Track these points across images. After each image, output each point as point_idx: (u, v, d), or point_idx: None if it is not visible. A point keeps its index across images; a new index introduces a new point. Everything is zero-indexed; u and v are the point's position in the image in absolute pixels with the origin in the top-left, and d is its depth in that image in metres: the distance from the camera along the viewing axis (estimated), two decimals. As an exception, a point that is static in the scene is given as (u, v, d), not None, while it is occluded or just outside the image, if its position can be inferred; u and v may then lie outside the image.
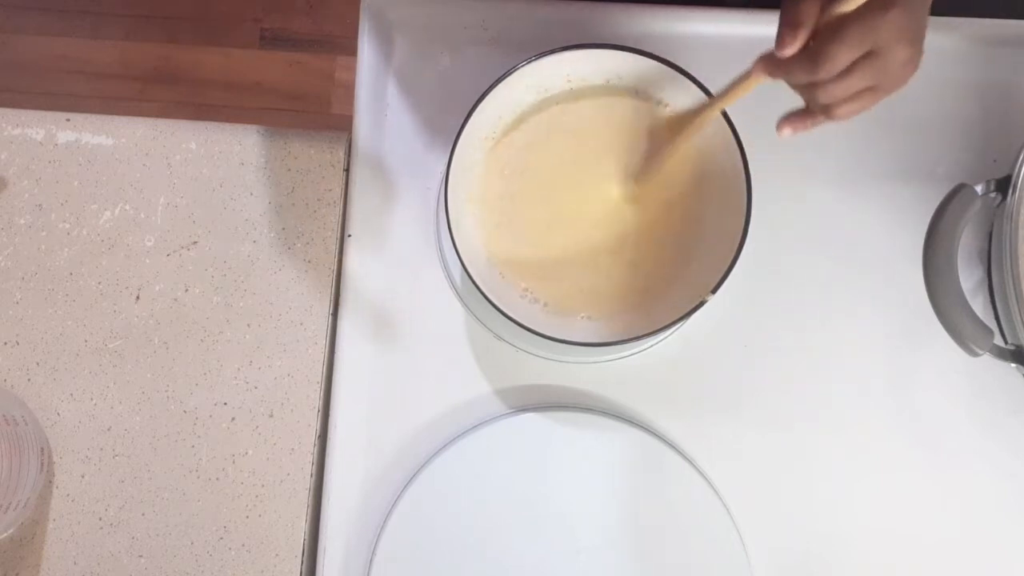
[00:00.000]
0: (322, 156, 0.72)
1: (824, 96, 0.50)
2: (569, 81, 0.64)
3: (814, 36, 0.49)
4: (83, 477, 0.68)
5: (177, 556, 0.67)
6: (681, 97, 0.62)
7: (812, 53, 0.48)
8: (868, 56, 0.48)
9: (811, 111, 0.53)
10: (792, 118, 0.54)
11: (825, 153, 0.71)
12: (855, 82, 0.49)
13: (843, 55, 0.48)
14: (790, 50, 0.48)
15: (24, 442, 0.64)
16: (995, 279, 0.67)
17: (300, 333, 0.69)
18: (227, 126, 0.72)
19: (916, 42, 0.50)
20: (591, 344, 0.61)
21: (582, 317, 0.64)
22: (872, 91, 0.50)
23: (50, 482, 0.67)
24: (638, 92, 0.64)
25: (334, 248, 0.70)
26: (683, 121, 0.62)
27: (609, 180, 0.65)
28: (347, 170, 0.72)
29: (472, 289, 0.60)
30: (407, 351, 0.69)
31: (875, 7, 0.47)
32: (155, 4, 1.64)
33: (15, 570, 0.66)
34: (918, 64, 0.51)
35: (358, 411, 0.68)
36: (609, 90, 0.65)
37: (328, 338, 0.69)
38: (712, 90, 0.60)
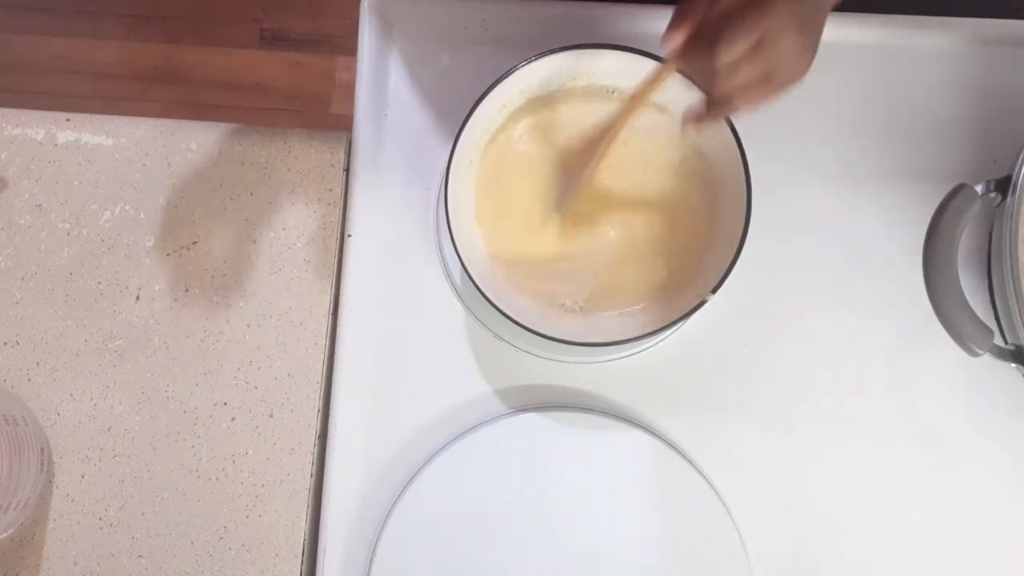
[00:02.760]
0: (322, 156, 0.72)
1: (723, 85, 0.51)
2: (569, 81, 0.64)
3: (708, 27, 0.50)
4: (83, 477, 0.68)
5: (177, 556, 0.67)
6: (683, 97, 0.62)
7: (708, 41, 0.50)
8: (761, 42, 0.49)
9: (712, 106, 0.54)
10: (693, 116, 0.55)
11: (825, 153, 0.71)
12: (750, 70, 0.50)
13: (737, 41, 0.49)
14: (674, 41, 0.51)
15: (24, 442, 0.64)
16: (995, 279, 0.67)
17: (300, 333, 0.69)
18: (227, 126, 0.72)
19: (807, 30, 0.51)
20: (591, 344, 0.61)
21: (582, 317, 0.64)
22: (768, 81, 0.51)
23: (50, 482, 0.67)
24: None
25: (334, 248, 0.70)
26: (610, 125, 0.61)
27: (610, 183, 0.65)
28: (347, 170, 0.72)
29: (472, 289, 0.60)
30: (407, 351, 0.69)
31: None
32: (155, 4, 1.64)
33: (15, 570, 0.66)
34: (813, 55, 0.52)
35: (358, 411, 0.68)
36: (609, 91, 0.65)
37: (328, 338, 0.69)
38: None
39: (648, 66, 0.61)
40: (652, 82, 0.58)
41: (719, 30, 0.49)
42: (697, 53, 0.51)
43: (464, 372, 0.68)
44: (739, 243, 0.59)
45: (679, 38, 0.51)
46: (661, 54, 0.55)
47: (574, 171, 0.63)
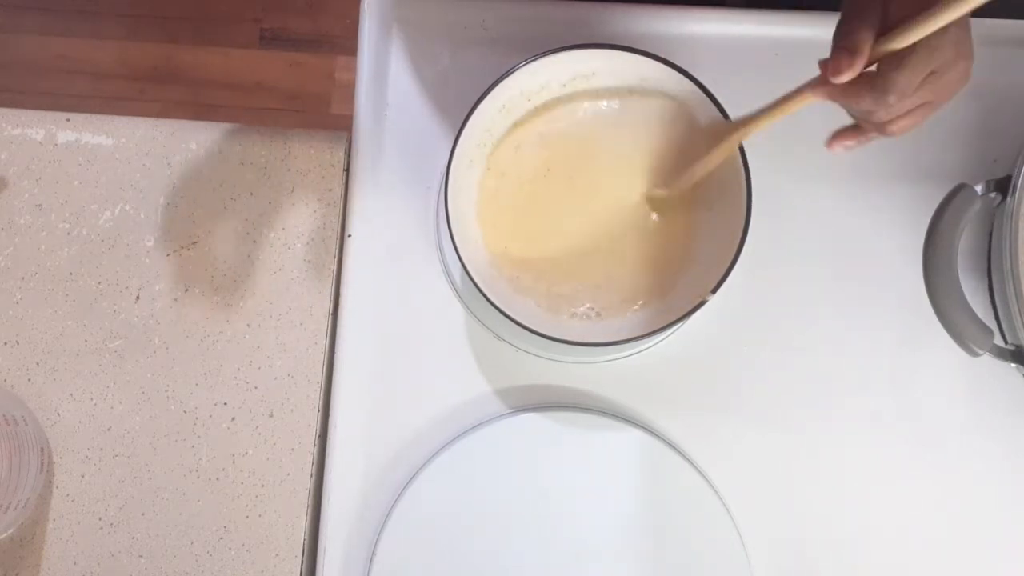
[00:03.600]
0: (322, 156, 0.72)
1: (883, 116, 0.50)
2: (570, 81, 0.64)
3: (875, 69, 0.48)
4: (83, 477, 0.68)
5: (177, 556, 0.67)
6: (680, 96, 0.62)
7: (878, 81, 0.47)
8: (930, 76, 0.48)
9: (863, 128, 0.52)
10: (844, 135, 0.53)
11: (825, 153, 0.70)
12: (915, 100, 0.49)
13: (911, 82, 0.47)
14: (846, 77, 0.48)
15: (24, 442, 0.64)
16: (995, 279, 0.67)
17: (300, 333, 0.69)
18: (227, 126, 0.72)
19: (970, 53, 0.50)
20: (591, 344, 0.61)
21: (582, 317, 0.64)
22: (926, 106, 0.50)
23: (50, 482, 0.67)
24: (637, 92, 0.64)
25: (334, 248, 0.70)
26: (719, 133, 0.59)
27: (609, 180, 0.65)
28: (347, 170, 0.72)
29: (472, 289, 0.60)
30: (407, 351, 0.69)
31: (935, 31, 0.46)
32: (155, 4, 1.64)
33: (15, 570, 0.66)
34: (971, 73, 0.50)
35: (358, 411, 0.68)
36: (609, 91, 0.65)
37: (328, 338, 0.69)
38: (711, 88, 0.60)
39: (649, 65, 0.61)
40: (797, 100, 0.53)
41: (890, 68, 0.47)
42: (863, 95, 0.48)
43: (464, 372, 0.68)
44: (739, 243, 0.59)
45: (851, 74, 0.48)
46: (811, 81, 0.51)
47: (684, 162, 0.62)
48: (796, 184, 0.70)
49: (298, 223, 0.71)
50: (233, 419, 0.68)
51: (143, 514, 0.67)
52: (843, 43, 0.48)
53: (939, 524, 0.67)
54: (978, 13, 0.70)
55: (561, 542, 0.66)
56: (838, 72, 0.48)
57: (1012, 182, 0.63)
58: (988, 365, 0.66)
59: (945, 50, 0.47)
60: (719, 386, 0.68)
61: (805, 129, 0.70)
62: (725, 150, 0.59)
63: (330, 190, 0.71)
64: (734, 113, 0.60)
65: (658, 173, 0.64)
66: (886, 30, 0.47)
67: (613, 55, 0.61)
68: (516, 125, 0.65)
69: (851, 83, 0.48)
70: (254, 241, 0.70)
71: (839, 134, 0.54)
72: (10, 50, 1.63)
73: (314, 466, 0.68)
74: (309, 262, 0.70)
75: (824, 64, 0.50)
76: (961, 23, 0.48)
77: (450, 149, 0.60)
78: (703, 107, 0.61)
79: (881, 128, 0.51)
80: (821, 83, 0.50)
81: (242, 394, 0.68)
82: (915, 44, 0.47)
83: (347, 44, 1.62)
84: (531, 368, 0.68)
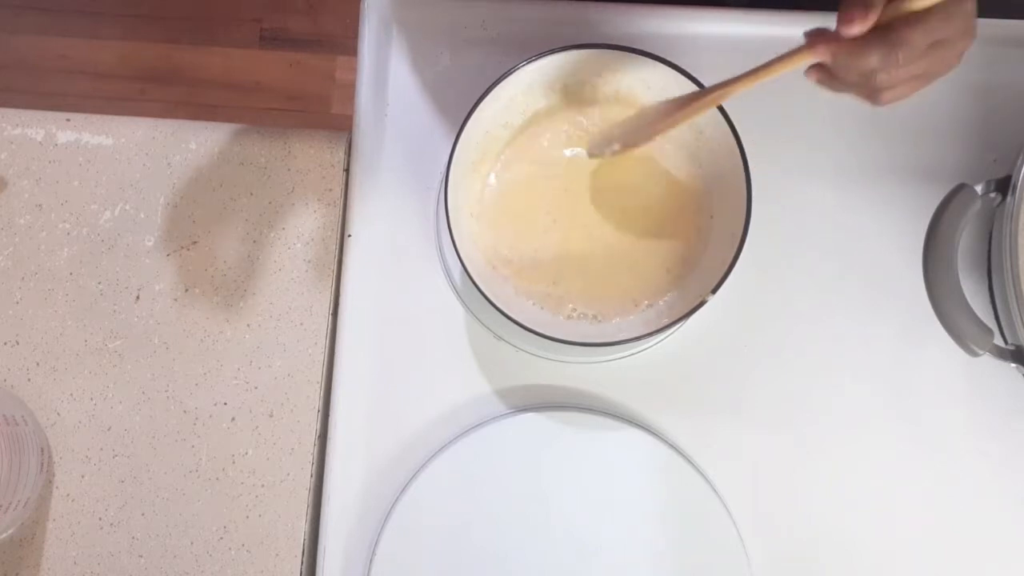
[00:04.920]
0: (322, 156, 0.72)
1: (883, 81, 0.49)
2: (569, 81, 0.64)
3: (878, 24, 0.47)
4: (83, 477, 0.68)
5: (177, 556, 0.67)
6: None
7: (891, 36, 0.47)
8: (936, 44, 0.48)
9: (844, 82, 0.51)
10: (824, 74, 0.52)
11: (825, 153, 0.71)
12: (916, 68, 0.48)
13: (922, 43, 0.47)
14: (858, 29, 0.47)
15: (24, 442, 0.64)
16: (995, 279, 0.67)
17: (300, 333, 0.69)
18: (227, 126, 0.72)
19: (974, 36, 0.50)
20: (591, 344, 0.61)
21: (582, 317, 0.64)
22: (922, 77, 0.50)
23: (50, 482, 0.67)
24: (633, 95, 0.64)
25: (334, 248, 0.70)
26: (702, 95, 0.58)
27: (609, 180, 0.65)
28: (347, 170, 0.72)
29: (472, 289, 0.60)
30: (407, 351, 0.69)
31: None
32: (155, 4, 1.64)
33: (15, 570, 0.66)
34: (964, 53, 0.50)
35: (358, 411, 0.68)
36: (608, 93, 0.65)
37: (328, 338, 0.69)
38: (708, 85, 0.60)
39: (649, 65, 0.61)
40: (795, 57, 0.51)
41: (900, 28, 0.46)
42: (869, 52, 0.47)
43: (464, 372, 0.68)
44: (739, 243, 0.59)
45: (864, 26, 0.46)
46: (811, 36, 0.50)
47: (639, 121, 0.60)
48: (796, 184, 0.70)
49: (298, 223, 0.71)
50: (233, 419, 0.68)
51: (143, 514, 0.67)
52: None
53: (939, 524, 0.67)
54: (978, 13, 0.71)
55: (561, 542, 0.66)
56: (850, 22, 0.47)
57: (1012, 182, 0.63)
58: (988, 365, 0.66)
59: (957, 21, 0.47)
60: (719, 386, 0.68)
61: (805, 129, 0.71)
62: (703, 107, 0.57)
63: (330, 190, 0.71)
64: (727, 106, 0.60)
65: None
66: None
67: (614, 55, 0.61)
68: (516, 125, 0.65)
69: (862, 39, 0.47)
70: (254, 241, 0.70)
71: (818, 67, 0.52)
72: (10, 50, 1.63)
73: (314, 466, 0.68)
74: (309, 262, 0.70)
75: (811, 36, 0.49)
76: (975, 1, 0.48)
77: (450, 149, 0.60)
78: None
79: (875, 94, 0.50)
80: (829, 38, 0.49)
81: (242, 394, 0.68)
82: (931, 8, 0.46)
83: (347, 44, 1.62)
84: (531, 368, 0.68)
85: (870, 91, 0.50)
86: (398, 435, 0.68)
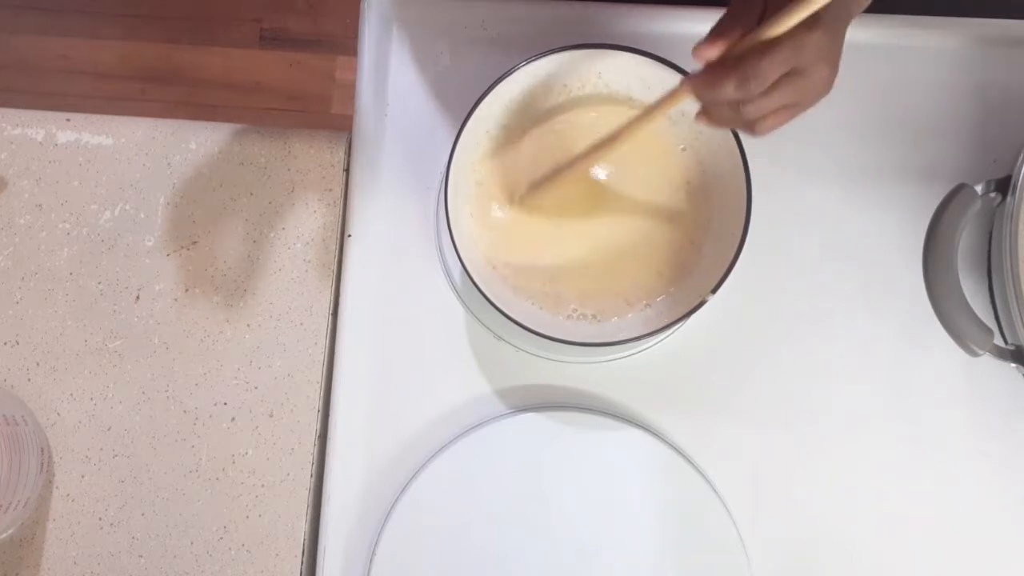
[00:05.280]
0: (322, 156, 0.72)
1: (750, 112, 0.51)
2: (570, 81, 0.64)
3: (738, 59, 0.50)
4: (83, 477, 0.68)
5: (177, 556, 0.67)
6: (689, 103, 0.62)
7: (741, 70, 0.49)
8: (791, 74, 0.50)
9: (721, 118, 0.54)
10: (706, 115, 0.55)
11: (825, 153, 0.71)
12: (778, 98, 0.51)
13: (771, 71, 0.49)
14: (703, 56, 0.50)
15: (24, 442, 0.64)
16: (995, 279, 0.67)
17: (300, 333, 0.69)
18: (227, 126, 0.72)
19: (835, 62, 0.52)
20: (591, 344, 0.61)
21: (582, 317, 0.64)
22: (790, 108, 0.52)
23: (50, 482, 0.67)
24: (633, 95, 0.64)
25: (334, 248, 0.70)
26: (616, 133, 0.60)
27: (608, 180, 0.65)
28: (347, 170, 0.72)
29: (472, 289, 0.60)
30: (407, 351, 0.69)
31: (800, 29, 0.48)
32: (155, 4, 1.64)
33: (15, 570, 0.66)
34: (833, 83, 0.52)
35: (358, 411, 0.68)
36: (608, 93, 0.64)
37: (328, 338, 0.69)
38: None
39: (649, 66, 0.61)
40: (670, 99, 0.56)
41: (750, 58, 0.49)
42: (723, 83, 0.50)
43: (464, 372, 0.68)
44: (739, 243, 0.59)
45: (714, 53, 0.50)
46: (682, 79, 0.54)
47: (558, 166, 0.63)
48: (796, 184, 0.70)
49: (298, 223, 0.71)
50: (233, 419, 0.68)
51: (143, 514, 0.67)
52: (712, 29, 0.51)
53: (939, 524, 0.67)
54: (978, 13, 0.71)
55: (561, 542, 0.66)
56: (701, 51, 0.50)
57: (1012, 182, 0.63)
58: (988, 365, 0.66)
59: (809, 50, 0.49)
60: (719, 386, 0.68)
61: (805, 129, 0.71)
62: (598, 153, 0.60)
63: (330, 190, 0.71)
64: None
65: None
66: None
67: (614, 55, 0.61)
68: (516, 125, 0.65)
69: (716, 73, 0.50)
70: (254, 241, 0.70)
71: (701, 112, 0.55)
72: (10, 50, 1.63)
73: (314, 466, 0.68)
74: (309, 262, 0.70)
75: (683, 79, 0.53)
76: (831, 24, 0.50)
77: (450, 149, 0.60)
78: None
79: (750, 126, 0.53)
80: (695, 79, 0.52)
81: (242, 394, 0.68)
82: (780, 38, 0.49)
83: (347, 44, 1.62)
84: (531, 368, 0.68)
85: (744, 123, 0.53)
86: (398, 435, 0.68)
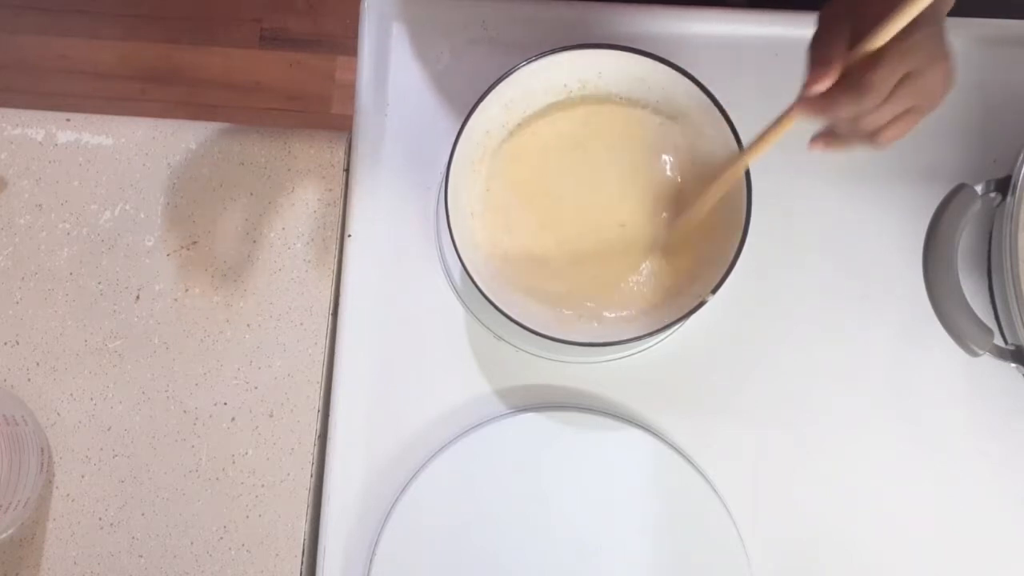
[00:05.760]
0: (322, 156, 0.72)
1: (869, 124, 0.51)
2: (571, 81, 0.64)
3: (845, 74, 0.49)
4: (83, 477, 0.68)
5: (177, 556, 0.67)
6: (680, 97, 0.62)
7: (854, 86, 0.49)
8: (906, 78, 0.49)
9: (854, 140, 0.53)
10: (824, 137, 0.54)
11: (825, 153, 0.70)
12: (897, 105, 0.50)
13: (885, 81, 0.48)
14: (823, 85, 0.49)
15: (24, 442, 0.64)
16: (995, 279, 0.67)
17: (300, 333, 0.69)
18: (227, 126, 0.72)
19: (948, 57, 0.51)
20: (591, 344, 0.61)
21: (582, 317, 0.64)
22: (912, 112, 0.51)
23: (50, 482, 0.67)
24: (633, 95, 0.64)
25: (334, 248, 0.70)
26: (713, 169, 0.60)
27: (608, 181, 0.65)
28: (347, 170, 0.72)
29: (472, 289, 0.60)
30: (407, 351, 0.69)
31: (902, 35, 0.48)
32: (155, 4, 1.64)
33: (15, 570, 0.66)
34: (954, 78, 0.52)
35: (358, 411, 0.68)
36: (608, 93, 0.65)
37: (328, 338, 0.69)
38: (712, 87, 0.60)
39: (649, 66, 0.61)
40: (774, 132, 0.55)
41: (864, 71, 0.48)
42: (841, 102, 0.50)
43: (464, 372, 0.68)
44: (739, 243, 0.59)
45: (827, 82, 0.49)
46: (794, 102, 0.53)
47: (680, 208, 0.64)
48: (796, 184, 0.70)
49: (298, 223, 0.71)
50: (233, 419, 0.68)
51: (143, 514, 0.67)
52: (816, 56, 0.50)
53: (939, 524, 0.67)
54: (978, 13, 0.71)
55: (561, 542, 0.66)
56: (814, 83, 0.49)
57: (1012, 182, 0.63)
58: (988, 365, 0.66)
59: (916, 51, 0.49)
60: (719, 386, 0.68)
61: (805, 129, 0.71)
62: (723, 185, 0.59)
63: (330, 190, 0.71)
64: (728, 107, 0.60)
65: (657, 189, 0.65)
66: (857, 40, 0.49)
67: (614, 55, 0.61)
68: (516, 126, 0.65)
69: (830, 93, 0.49)
70: (254, 241, 0.70)
71: (819, 135, 0.55)
72: (10, 50, 1.63)
73: (314, 466, 0.68)
74: (309, 262, 0.70)
75: (793, 104, 0.52)
76: (930, 25, 0.49)
77: (450, 149, 0.60)
78: (704, 110, 0.61)
79: (871, 138, 0.52)
80: (807, 100, 0.51)
81: (242, 394, 0.68)
82: (886, 47, 0.48)
83: (347, 44, 1.62)
84: (531, 368, 0.68)
85: (865, 137, 0.52)
86: (398, 435, 0.68)
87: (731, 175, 0.59)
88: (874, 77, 0.48)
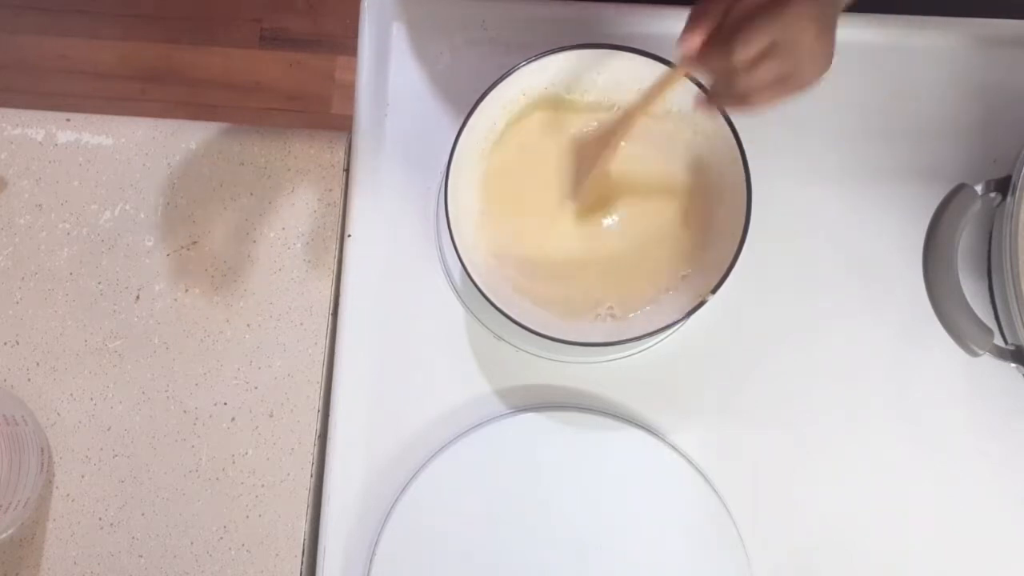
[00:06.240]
0: (322, 156, 0.72)
1: (741, 83, 0.52)
2: (571, 81, 0.64)
3: (724, 34, 0.52)
4: (83, 477, 0.68)
5: (177, 556, 0.67)
6: (687, 100, 0.62)
7: (726, 40, 0.51)
8: (777, 46, 0.51)
9: (726, 100, 0.56)
10: (705, 98, 0.57)
11: (825, 153, 0.71)
12: (768, 69, 0.51)
13: (754, 39, 0.50)
14: (692, 42, 0.52)
15: (24, 442, 0.64)
16: (995, 279, 0.67)
17: (300, 333, 0.69)
18: (227, 126, 0.72)
19: (824, 33, 0.52)
20: (591, 344, 0.61)
21: (582, 317, 0.64)
22: (784, 82, 0.52)
23: (50, 482, 0.67)
24: (634, 94, 0.64)
25: (334, 248, 0.70)
26: (611, 130, 0.62)
27: (608, 181, 0.65)
28: (347, 170, 0.72)
29: (472, 289, 0.60)
30: (407, 351, 0.69)
31: (780, 1, 0.50)
32: (155, 4, 1.64)
33: (15, 570, 0.66)
34: (830, 59, 0.53)
35: (358, 411, 0.68)
36: (608, 92, 0.64)
37: (328, 338, 0.69)
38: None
39: (649, 66, 0.61)
40: (661, 85, 0.58)
41: (735, 31, 0.50)
42: (712, 54, 0.52)
43: (464, 372, 0.68)
44: (739, 243, 0.59)
45: (697, 39, 0.52)
46: (673, 58, 0.56)
47: (583, 167, 0.64)
48: (796, 184, 0.70)
49: (298, 223, 0.71)
50: (233, 419, 0.68)
51: (143, 514, 0.67)
52: (692, 13, 0.53)
53: (939, 524, 0.67)
54: (978, 13, 0.71)
55: (561, 542, 0.66)
56: (685, 39, 0.53)
57: (1012, 182, 0.63)
58: (988, 365, 0.66)
59: (790, 21, 0.50)
60: (719, 386, 0.68)
61: (805, 129, 0.71)
62: (615, 142, 0.62)
63: (330, 190, 0.71)
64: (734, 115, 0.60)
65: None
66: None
67: (613, 55, 0.61)
68: (516, 126, 0.65)
69: (704, 51, 0.53)
70: (254, 241, 0.70)
71: (700, 96, 0.58)
72: (10, 50, 1.63)
73: (314, 466, 0.68)
74: (309, 262, 0.70)
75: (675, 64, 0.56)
76: (814, 2, 0.51)
77: (450, 149, 0.60)
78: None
79: (743, 100, 0.54)
80: (681, 60, 0.55)
81: (242, 394, 0.68)
82: (759, 11, 0.50)
83: (347, 44, 1.62)
84: (531, 368, 0.68)
85: (738, 99, 0.54)
86: (398, 435, 0.68)
87: (627, 125, 0.61)
88: (742, 33, 0.50)
